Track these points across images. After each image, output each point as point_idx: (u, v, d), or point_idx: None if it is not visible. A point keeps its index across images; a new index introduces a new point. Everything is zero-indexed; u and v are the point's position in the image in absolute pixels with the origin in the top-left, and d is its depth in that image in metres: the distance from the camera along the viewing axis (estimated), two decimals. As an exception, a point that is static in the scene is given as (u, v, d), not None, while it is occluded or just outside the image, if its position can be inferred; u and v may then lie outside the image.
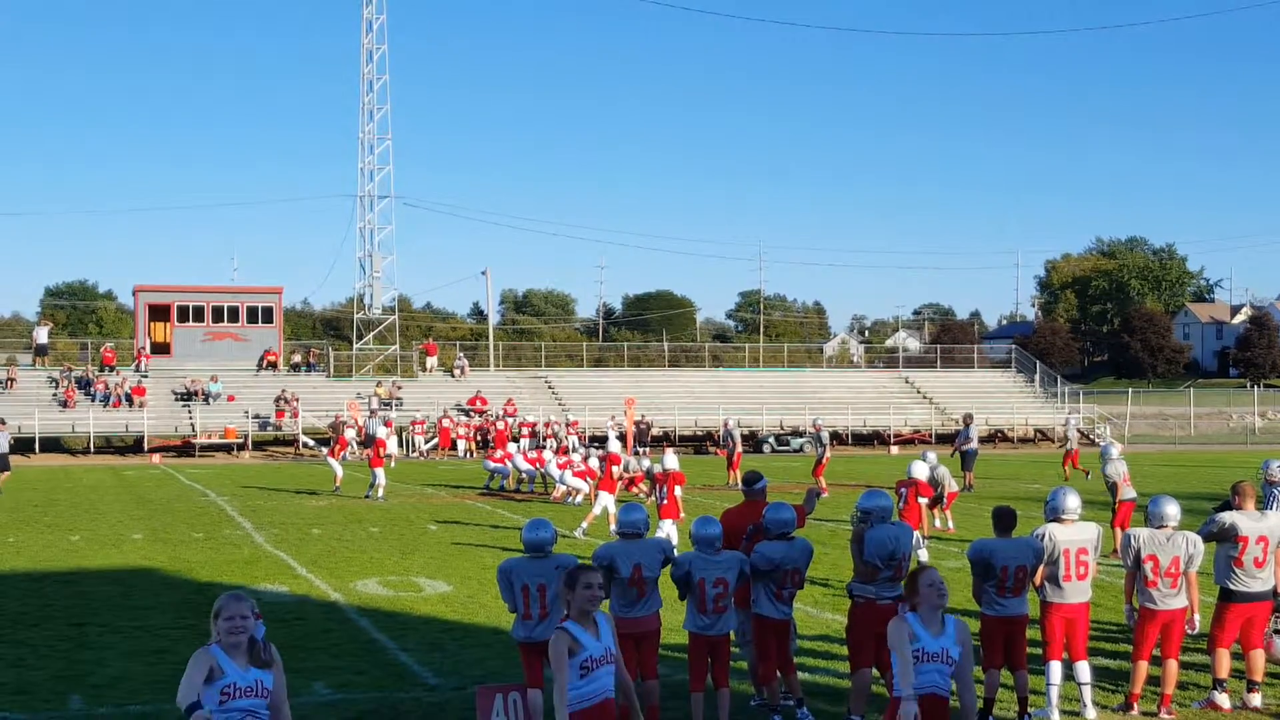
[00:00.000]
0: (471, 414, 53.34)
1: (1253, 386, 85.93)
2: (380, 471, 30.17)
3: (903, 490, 18.46)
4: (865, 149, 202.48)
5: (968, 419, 34.26)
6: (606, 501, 22.79)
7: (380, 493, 29.86)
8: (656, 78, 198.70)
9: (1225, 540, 10.42)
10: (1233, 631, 10.34)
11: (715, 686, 9.67)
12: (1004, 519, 10.14)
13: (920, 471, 18.99)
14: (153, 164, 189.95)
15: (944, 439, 54.18)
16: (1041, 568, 10.00)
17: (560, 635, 6.44)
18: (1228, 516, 10.50)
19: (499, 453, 33.61)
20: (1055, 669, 10.00)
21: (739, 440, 35.91)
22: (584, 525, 22.13)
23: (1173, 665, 10.14)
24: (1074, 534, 10.02)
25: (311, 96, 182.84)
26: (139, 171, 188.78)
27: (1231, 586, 10.36)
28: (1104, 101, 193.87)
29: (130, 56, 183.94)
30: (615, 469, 23.85)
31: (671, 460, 20.07)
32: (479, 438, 50.60)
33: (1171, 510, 10.19)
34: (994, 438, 60.03)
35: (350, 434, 35.44)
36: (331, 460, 32.73)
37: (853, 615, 9.83)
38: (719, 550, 9.67)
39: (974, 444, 33.41)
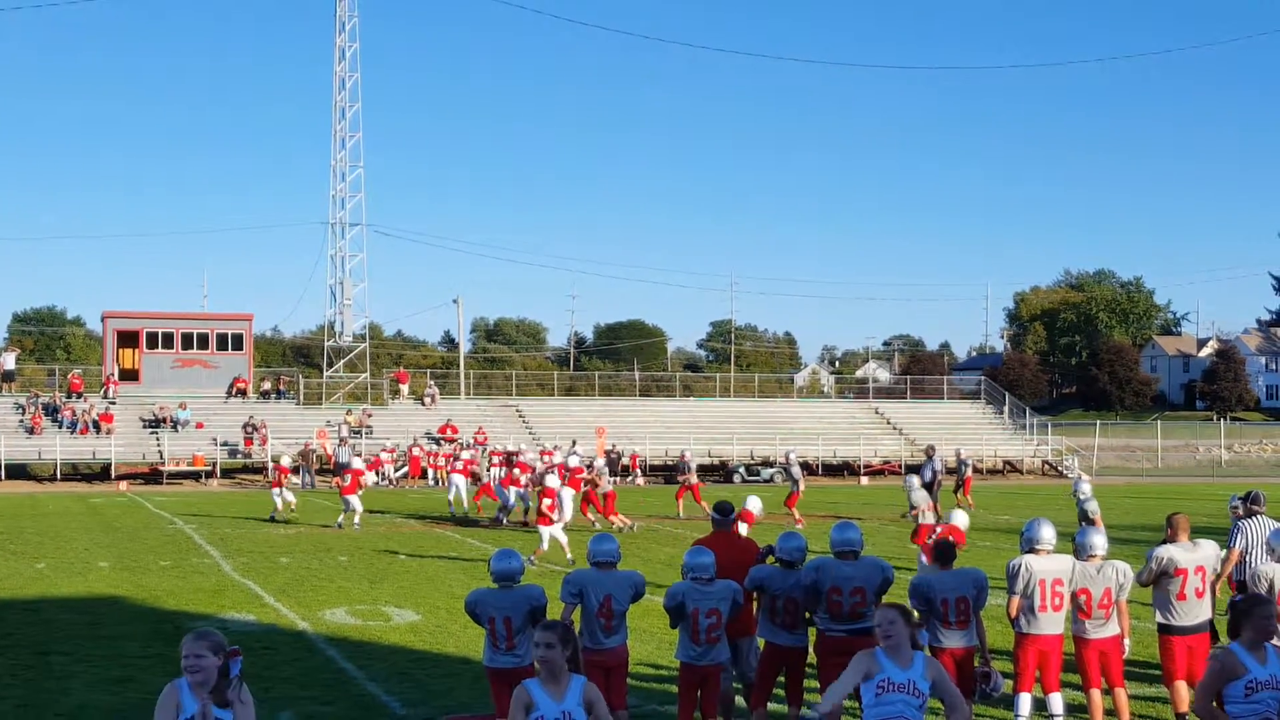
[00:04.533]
0: (441, 442, 53.19)
1: (1219, 419, 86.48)
2: (354, 499, 29.85)
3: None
4: (836, 180, 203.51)
5: (930, 451, 34.41)
6: (554, 531, 22.71)
7: (356, 519, 29.62)
8: (628, 108, 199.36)
9: (1164, 575, 10.48)
10: (1181, 664, 10.35)
11: (703, 718, 9.64)
12: (942, 551, 10.16)
13: (961, 520, 17.99)
14: (122, 189, 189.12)
15: (915, 470, 54.25)
16: (1017, 599, 10.02)
17: (519, 691, 6.38)
18: (1164, 551, 10.54)
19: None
20: (1025, 701, 9.99)
21: (694, 470, 35.40)
22: (532, 557, 21.64)
23: (1121, 694, 10.14)
24: (1049, 565, 10.01)
25: (283, 123, 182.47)
26: (108, 197, 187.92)
27: (1172, 621, 10.38)
28: (1073, 135, 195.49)
29: (100, 81, 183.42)
30: (547, 501, 23.11)
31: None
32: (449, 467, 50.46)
33: (1099, 541, 10.25)
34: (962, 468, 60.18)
35: (286, 461, 35.18)
36: (274, 490, 32.75)
37: (816, 646, 9.86)
38: (712, 580, 9.60)
39: (939, 476, 33.51)
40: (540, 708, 6.32)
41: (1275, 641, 7.20)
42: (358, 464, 32.49)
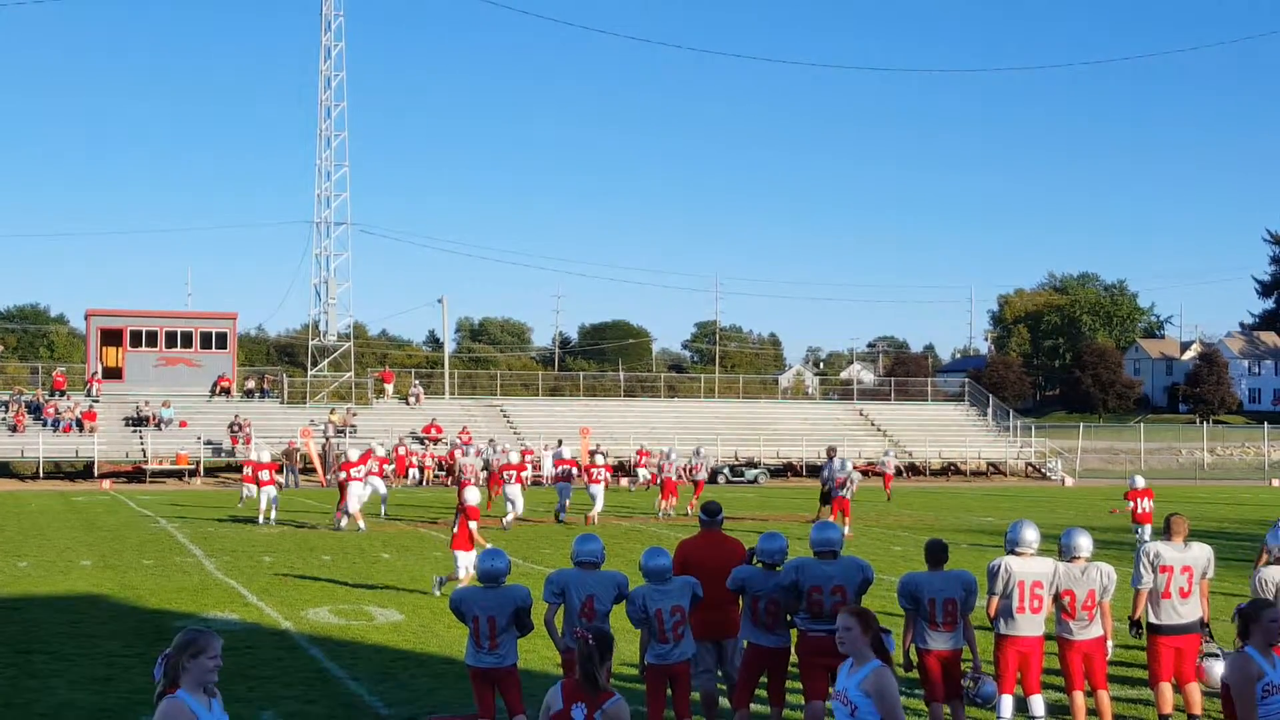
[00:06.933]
0: (427, 442, 53.15)
1: (1202, 422, 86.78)
2: (271, 490, 31.18)
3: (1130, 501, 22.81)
4: (821, 181, 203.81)
5: (831, 451, 34.35)
6: (467, 561, 18.24)
7: (272, 515, 30.81)
8: (613, 108, 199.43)
9: (1151, 570, 10.50)
10: (1168, 665, 10.36)
11: (676, 718, 9.63)
12: (934, 552, 10.15)
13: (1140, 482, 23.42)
14: (106, 187, 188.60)
15: (899, 471, 54.36)
16: (996, 600, 10.04)
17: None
18: (1152, 547, 10.59)
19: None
20: (1006, 702, 10.00)
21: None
22: (440, 580, 19.26)
23: (1104, 696, 10.16)
24: (1030, 567, 10.04)
25: (268, 122, 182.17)
26: (92, 194, 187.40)
27: (1158, 620, 10.40)
28: (1057, 138, 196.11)
29: (84, 79, 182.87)
30: (473, 525, 18.64)
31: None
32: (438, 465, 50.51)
33: (1084, 542, 10.27)
34: (946, 471, 60.39)
35: (267, 456, 35.00)
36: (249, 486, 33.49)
37: (797, 646, 9.88)
38: (669, 580, 9.66)
39: (837, 476, 33.02)
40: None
41: None
42: (266, 457, 32.51)
